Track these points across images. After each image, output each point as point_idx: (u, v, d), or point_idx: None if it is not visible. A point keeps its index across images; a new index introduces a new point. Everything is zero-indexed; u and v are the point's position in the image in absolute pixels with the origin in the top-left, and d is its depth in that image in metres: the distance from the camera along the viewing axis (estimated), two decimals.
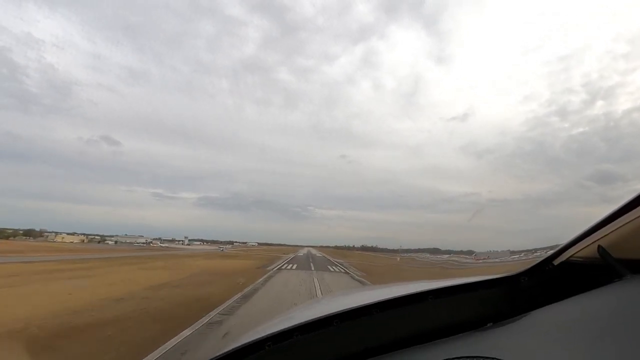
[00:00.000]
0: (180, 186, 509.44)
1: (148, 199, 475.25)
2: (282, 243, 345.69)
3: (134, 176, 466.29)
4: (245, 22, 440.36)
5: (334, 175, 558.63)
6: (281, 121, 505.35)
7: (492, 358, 0.61)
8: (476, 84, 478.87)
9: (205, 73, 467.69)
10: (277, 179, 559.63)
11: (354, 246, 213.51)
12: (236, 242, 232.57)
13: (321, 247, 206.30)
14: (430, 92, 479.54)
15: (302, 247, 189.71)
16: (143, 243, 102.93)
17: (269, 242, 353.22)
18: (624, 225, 0.64)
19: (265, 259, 36.53)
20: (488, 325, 0.79)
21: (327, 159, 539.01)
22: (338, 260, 40.67)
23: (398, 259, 50.81)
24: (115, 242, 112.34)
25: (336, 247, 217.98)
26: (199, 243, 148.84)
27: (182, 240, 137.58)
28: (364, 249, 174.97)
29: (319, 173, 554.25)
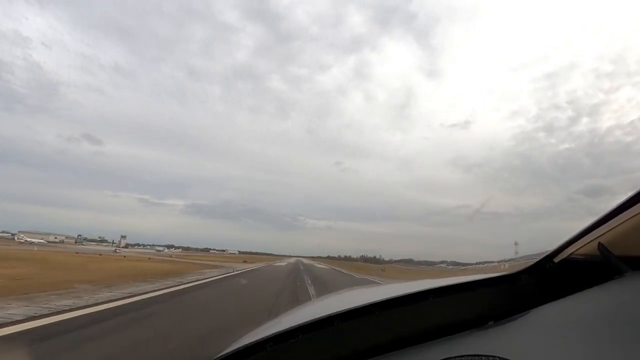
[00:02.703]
0: (168, 193, 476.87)
1: (133, 204, 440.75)
2: (270, 253, 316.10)
3: (118, 181, 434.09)
4: (239, 29, 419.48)
5: (325, 185, 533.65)
6: (273, 129, 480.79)
7: (494, 356, 0.60)
8: (466, 98, 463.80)
9: (198, 79, 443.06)
10: (267, 187, 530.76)
11: (350, 256, 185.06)
12: (213, 249, 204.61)
13: (312, 257, 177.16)
14: (420, 105, 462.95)
15: (290, 257, 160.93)
16: None
17: (256, 251, 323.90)
18: (624, 222, 0.64)
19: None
20: (489, 323, 0.78)
21: (319, 169, 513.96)
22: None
23: None
24: None
25: (329, 258, 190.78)
26: (161, 249, 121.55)
27: (117, 242, 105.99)
28: (364, 260, 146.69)
29: (311, 183, 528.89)
